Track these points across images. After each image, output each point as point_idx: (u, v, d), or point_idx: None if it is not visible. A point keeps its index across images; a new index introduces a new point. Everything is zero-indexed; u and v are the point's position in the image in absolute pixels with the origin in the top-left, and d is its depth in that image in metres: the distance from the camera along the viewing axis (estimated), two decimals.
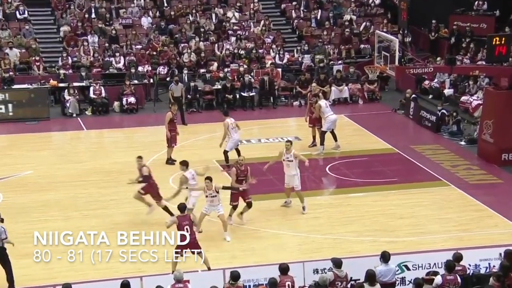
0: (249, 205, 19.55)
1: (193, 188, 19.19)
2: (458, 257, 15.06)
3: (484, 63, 28.20)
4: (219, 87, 30.78)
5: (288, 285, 14.35)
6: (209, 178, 18.73)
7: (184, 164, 19.61)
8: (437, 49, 34.42)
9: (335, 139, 25.07)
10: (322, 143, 24.77)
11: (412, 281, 14.96)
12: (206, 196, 18.79)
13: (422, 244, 18.48)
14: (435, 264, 16.15)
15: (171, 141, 24.03)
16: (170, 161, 24.05)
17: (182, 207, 16.98)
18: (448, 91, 30.90)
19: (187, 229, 16.37)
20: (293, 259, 17.08)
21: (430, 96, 31.45)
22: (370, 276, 14.28)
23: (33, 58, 31.91)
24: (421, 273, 15.74)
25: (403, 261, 16.13)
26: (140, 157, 20.30)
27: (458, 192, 21.98)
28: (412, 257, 16.41)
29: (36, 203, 21.22)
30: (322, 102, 25.08)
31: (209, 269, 16.65)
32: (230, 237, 18.82)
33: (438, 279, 14.59)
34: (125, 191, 21.73)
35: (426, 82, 31.84)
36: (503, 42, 23.96)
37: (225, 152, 23.31)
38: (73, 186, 22.42)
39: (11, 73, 30.81)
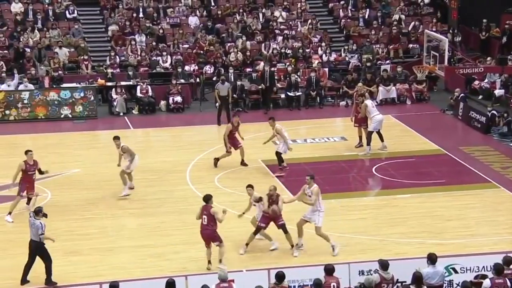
0: (283, 229, 18.38)
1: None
2: (508, 261, 14.75)
3: None
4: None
5: (333, 286, 14.23)
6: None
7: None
8: (488, 48, 33.94)
9: (382, 139, 24.84)
10: (368, 144, 24.55)
11: (460, 284, 14.77)
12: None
13: (471, 246, 18.22)
14: (483, 267, 15.94)
15: (230, 146, 23.86)
16: (243, 163, 23.98)
17: (206, 199, 17.58)
18: (498, 92, 30.42)
19: (204, 218, 17.26)
20: (338, 260, 16.98)
21: (480, 97, 30.98)
22: (417, 279, 14.10)
23: (82, 57, 32.24)
24: (469, 276, 15.54)
25: (450, 263, 15.95)
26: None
27: (508, 194, 21.65)
28: (460, 260, 16.22)
29: (82, 201, 21.40)
30: (368, 102, 24.87)
31: (220, 261, 17.06)
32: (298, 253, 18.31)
33: (486, 283, 14.33)
34: (170, 191, 21.91)
35: (476, 82, 31.37)
36: None
37: (278, 154, 23.11)
38: (119, 184, 22.32)
39: (60, 72, 31.13)
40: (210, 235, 17.31)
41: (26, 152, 20.20)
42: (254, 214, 18.62)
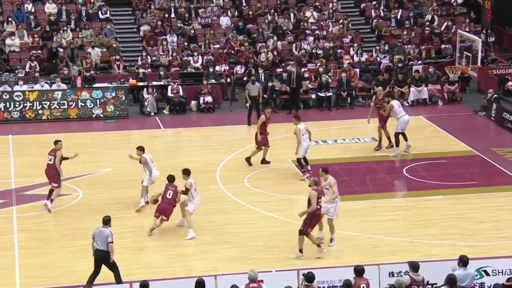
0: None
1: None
2: None
3: None
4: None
5: (363, 287, 14.16)
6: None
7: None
8: None
9: (406, 139, 24.61)
10: (397, 145, 24.38)
11: (492, 286, 14.63)
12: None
13: (503, 249, 18.05)
14: None
15: (261, 143, 23.81)
16: (264, 162, 23.96)
17: (170, 178, 19.52)
18: None
19: (169, 193, 19.20)
20: (368, 261, 16.87)
21: None
22: (451, 281, 13.95)
23: (114, 57, 32.40)
24: (501, 279, 15.41)
25: (482, 266, 15.85)
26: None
27: None
28: (492, 262, 16.09)
29: (113, 200, 21.48)
30: (395, 102, 24.71)
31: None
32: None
33: None
34: (201, 190, 21.72)
35: (510, 83, 31.01)
36: None
37: (298, 160, 23.01)
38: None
39: (92, 72, 31.33)
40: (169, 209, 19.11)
41: (57, 142, 20.93)
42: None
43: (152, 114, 29.93)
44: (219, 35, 34.21)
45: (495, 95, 29.39)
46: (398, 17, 35.59)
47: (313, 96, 30.98)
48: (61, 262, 17.93)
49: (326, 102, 30.70)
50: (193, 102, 30.57)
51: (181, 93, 30.47)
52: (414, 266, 14.35)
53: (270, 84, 30.65)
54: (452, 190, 21.89)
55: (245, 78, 31.26)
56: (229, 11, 35.60)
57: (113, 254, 16.27)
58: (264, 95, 29.47)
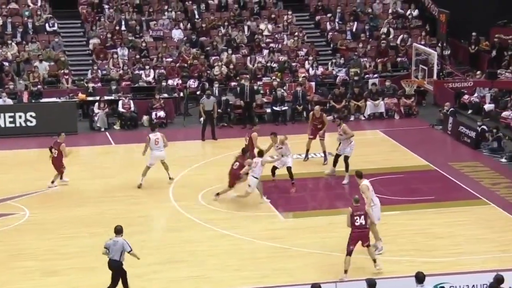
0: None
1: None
2: (499, 279, 14.47)
3: None
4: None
5: None
6: None
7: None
8: (477, 62, 33.81)
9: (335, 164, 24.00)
10: (347, 170, 23.59)
11: None
12: None
13: (461, 265, 17.95)
14: (474, 286, 15.92)
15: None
16: None
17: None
18: (488, 106, 30.18)
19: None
20: (325, 279, 16.66)
21: (470, 111, 30.75)
22: None
23: (62, 71, 31.77)
24: None
25: (440, 282, 15.81)
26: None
27: (498, 211, 21.36)
28: (450, 279, 16.10)
29: (62, 219, 20.97)
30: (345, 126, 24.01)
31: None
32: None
33: None
34: (155, 208, 21.46)
35: (466, 96, 31.13)
36: None
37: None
38: (100, 202, 22.14)
39: (39, 86, 30.67)
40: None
41: (60, 134, 23.30)
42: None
43: (103, 129, 29.39)
44: (172, 48, 33.78)
45: (451, 109, 29.39)
46: (354, 30, 35.51)
47: (268, 110, 30.71)
48: (9, 284, 17.33)
49: (281, 116, 30.41)
50: (145, 117, 30.10)
51: (132, 108, 29.95)
52: (371, 284, 14.20)
53: (224, 98, 30.26)
54: (410, 206, 21.81)
55: (198, 92, 30.95)
56: (181, 24, 35.17)
57: (137, 256, 16.32)
58: (219, 110, 29.05)
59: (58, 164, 23.08)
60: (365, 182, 18.68)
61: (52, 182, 23.09)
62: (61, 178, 23.34)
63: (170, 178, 23.36)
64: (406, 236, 19.61)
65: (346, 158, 23.22)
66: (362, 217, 17.36)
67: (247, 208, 21.51)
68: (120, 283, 16.40)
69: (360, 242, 17.39)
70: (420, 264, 17.63)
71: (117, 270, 16.27)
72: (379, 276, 16.35)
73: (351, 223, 17.35)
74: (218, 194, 21.80)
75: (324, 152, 24.99)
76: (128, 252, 16.12)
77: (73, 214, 21.24)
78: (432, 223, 20.48)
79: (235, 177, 21.72)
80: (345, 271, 17.20)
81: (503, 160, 25.69)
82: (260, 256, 18.49)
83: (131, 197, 22.39)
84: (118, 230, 16.31)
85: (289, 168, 22.69)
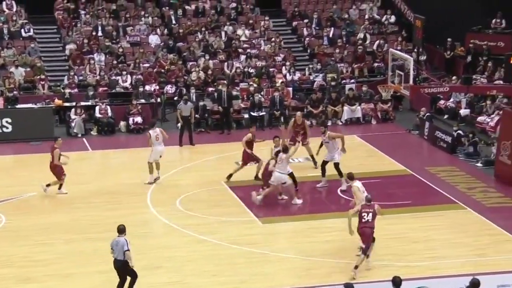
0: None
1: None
2: (475, 283, 14.45)
3: (501, 82, 27.60)
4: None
5: None
6: None
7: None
8: (453, 68, 34.02)
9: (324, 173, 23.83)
10: (341, 175, 23.57)
11: None
12: None
13: (437, 269, 17.96)
14: None
15: (247, 159, 23.62)
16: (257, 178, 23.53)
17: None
18: (464, 111, 30.34)
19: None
20: (303, 284, 16.78)
21: (446, 116, 30.89)
22: None
23: (38, 77, 31.59)
24: None
25: (417, 286, 15.76)
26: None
27: (474, 215, 21.39)
28: (427, 283, 16.09)
29: (38, 225, 20.76)
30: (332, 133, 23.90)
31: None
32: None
33: None
34: (132, 214, 21.35)
35: (442, 102, 31.29)
36: None
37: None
38: (77, 208, 21.97)
39: (15, 92, 30.48)
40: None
41: (57, 139, 23.09)
42: None
43: (80, 135, 29.24)
44: (149, 54, 33.68)
45: (428, 114, 29.51)
46: (330, 35, 35.63)
47: (246, 115, 30.67)
48: None
49: (259, 122, 30.38)
50: (122, 123, 29.97)
51: (109, 113, 29.82)
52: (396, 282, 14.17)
53: (201, 103, 30.22)
54: (387, 210, 21.54)
55: (175, 98, 30.85)
56: (158, 29, 35.09)
57: (132, 261, 16.20)
58: (196, 115, 29.02)
59: (54, 170, 22.74)
60: (356, 184, 18.89)
61: (48, 185, 22.79)
62: (59, 188, 22.94)
63: (156, 178, 23.59)
64: (383, 241, 19.43)
65: (337, 165, 23.09)
66: (370, 214, 17.64)
67: (225, 213, 21.44)
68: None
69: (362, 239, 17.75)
70: (396, 268, 17.62)
71: (122, 269, 16.27)
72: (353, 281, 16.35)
73: (359, 220, 17.64)
74: (261, 196, 21.88)
75: (312, 156, 24.94)
76: (124, 251, 16.10)
77: (49, 220, 21.07)
78: (408, 228, 20.48)
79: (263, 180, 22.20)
80: (356, 267, 17.54)
81: (479, 164, 25.81)
82: (238, 261, 18.43)
83: (108, 203, 22.24)
84: (121, 230, 16.33)
85: (291, 174, 22.57)
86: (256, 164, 23.58)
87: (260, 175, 23.24)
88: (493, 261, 18.37)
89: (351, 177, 19.26)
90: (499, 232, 20.16)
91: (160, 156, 23.73)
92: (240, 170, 23.70)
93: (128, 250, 16.06)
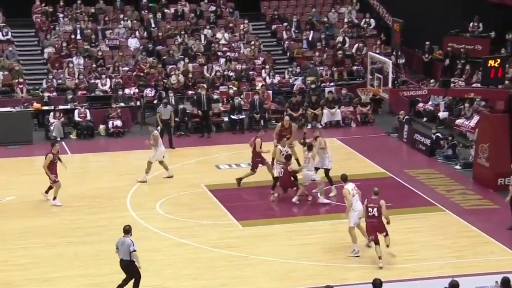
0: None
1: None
2: (454, 285, 14.48)
3: (479, 85, 27.73)
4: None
5: None
6: None
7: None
8: (431, 71, 34.13)
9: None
10: (331, 183, 23.29)
11: None
12: None
13: (417, 271, 18.02)
14: None
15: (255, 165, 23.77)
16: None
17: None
18: (442, 114, 30.46)
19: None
20: (283, 287, 16.78)
21: (424, 119, 31.01)
22: None
23: (16, 80, 31.36)
24: None
25: None
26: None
27: (453, 217, 21.50)
28: (406, 285, 16.26)
29: (18, 229, 20.65)
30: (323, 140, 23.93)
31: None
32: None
33: None
34: (112, 217, 21.29)
35: (420, 104, 31.40)
36: (498, 64, 23.56)
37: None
38: (56, 212, 21.88)
39: None
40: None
41: (54, 144, 22.60)
42: None
43: (59, 139, 28.92)
44: (128, 57, 33.57)
45: (407, 117, 29.63)
46: (310, 38, 35.68)
47: (226, 118, 30.65)
48: None
49: (239, 125, 30.38)
50: (102, 126, 29.86)
51: (88, 117, 29.70)
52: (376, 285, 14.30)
53: (181, 107, 30.16)
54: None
55: (155, 101, 30.76)
56: (137, 33, 34.99)
57: (138, 261, 16.27)
58: (176, 119, 28.97)
59: (52, 170, 22.24)
60: (347, 186, 19.06)
61: (53, 197, 22.37)
62: (46, 191, 22.58)
63: (170, 176, 24.35)
64: (364, 243, 19.61)
65: (327, 172, 23.07)
66: (375, 209, 18.28)
67: (205, 216, 21.41)
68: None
69: (377, 234, 18.30)
70: (377, 271, 17.69)
71: (127, 269, 16.37)
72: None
73: (365, 214, 18.42)
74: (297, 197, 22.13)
75: (297, 159, 24.98)
76: (131, 252, 16.18)
77: (29, 224, 20.95)
78: (388, 230, 20.59)
79: (286, 183, 22.37)
80: (379, 258, 18.15)
81: (458, 167, 25.93)
82: (218, 264, 18.43)
83: (87, 207, 22.16)
84: (127, 230, 16.41)
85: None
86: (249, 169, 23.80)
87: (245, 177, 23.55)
88: (472, 262, 18.50)
89: (344, 178, 19.52)
90: (477, 234, 20.29)
91: (163, 157, 24.24)
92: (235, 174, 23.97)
93: (135, 250, 16.16)
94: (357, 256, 18.67)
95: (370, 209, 18.34)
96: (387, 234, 18.38)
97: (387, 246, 18.38)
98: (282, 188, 22.59)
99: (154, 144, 24.05)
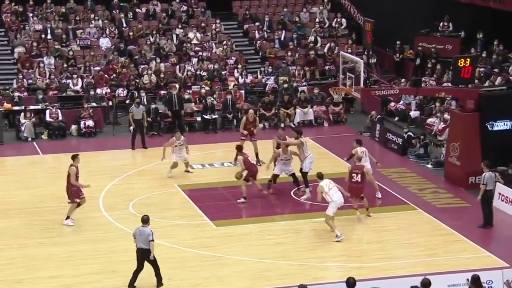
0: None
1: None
2: (426, 283, 14.70)
3: (449, 84, 28.00)
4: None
5: None
6: None
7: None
8: (402, 70, 34.39)
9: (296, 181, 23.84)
10: (307, 185, 23.19)
11: None
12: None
13: (389, 269, 18.16)
14: None
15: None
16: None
17: None
18: (414, 113, 30.67)
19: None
20: (257, 287, 16.85)
21: (396, 118, 31.19)
22: None
23: None
24: None
25: (370, 287, 15.77)
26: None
27: (425, 216, 21.67)
28: (380, 283, 16.15)
29: None
30: (303, 139, 23.86)
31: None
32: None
33: None
34: (85, 218, 21.13)
35: (392, 104, 31.59)
36: (468, 63, 23.76)
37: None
38: (28, 213, 21.71)
39: None
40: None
41: (75, 157, 21.02)
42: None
43: (30, 139, 28.83)
44: (99, 57, 33.39)
45: (379, 116, 29.77)
46: (282, 38, 35.74)
47: (198, 118, 30.60)
48: None
49: (211, 125, 30.35)
50: (74, 127, 29.69)
51: (60, 117, 29.52)
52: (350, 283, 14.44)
53: (153, 106, 30.06)
54: (339, 212, 21.74)
55: (127, 101, 30.65)
56: (108, 31, 34.80)
57: (153, 251, 16.87)
58: (148, 118, 28.87)
59: (68, 190, 20.82)
60: (322, 183, 19.87)
61: (67, 218, 20.88)
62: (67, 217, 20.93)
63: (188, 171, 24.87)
64: (336, 242, 19.70)
65: (305, 174, 22.89)
66: (359, 175, 20.75)
67: (178, 216, 21.40)
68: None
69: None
70: (350, 269, 17.81)
71: (143, 257, 16.92)
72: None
73: (349, 178, 20.69)
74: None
75: (257, 154, 25.01)
76: (150, 241, 16.76)
77: (1, 225, 20.76)
78: (360, 229, 20.68)
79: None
80: (367, 209, 21.03)
81: (429, 166, 26.12)
82: (191, 264, 18.43)
83: (59, 208, 21.90)
84: (145, 220, 17.01)
85: (293, 174, 23.05)
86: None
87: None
88: (444, 261, 18.67)
89: (319, 177, 20.16)
90: (449, 232, 20.48)
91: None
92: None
93: (153, 240, 16.75)
94: (339, 241, 19.57)
95: (354, 174, 20.67)
96: (363, 197, 20.89)
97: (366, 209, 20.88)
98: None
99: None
